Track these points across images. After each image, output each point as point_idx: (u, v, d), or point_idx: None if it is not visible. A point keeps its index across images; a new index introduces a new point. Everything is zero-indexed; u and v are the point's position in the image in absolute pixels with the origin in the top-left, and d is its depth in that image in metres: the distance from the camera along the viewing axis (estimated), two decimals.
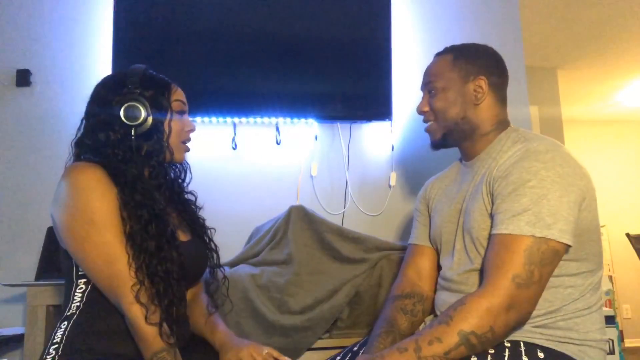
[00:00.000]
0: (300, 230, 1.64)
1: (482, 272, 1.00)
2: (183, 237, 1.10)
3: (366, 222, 2.01)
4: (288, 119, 1.96)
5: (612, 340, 1.70)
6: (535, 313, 0.96)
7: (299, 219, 1.66)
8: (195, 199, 1.22)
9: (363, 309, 1.55)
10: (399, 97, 2.01)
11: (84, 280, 0.99)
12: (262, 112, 1.92)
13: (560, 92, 3.80)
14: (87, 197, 0.94)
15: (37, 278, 1.59)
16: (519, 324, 0.94)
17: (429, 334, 0.89)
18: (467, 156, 1.19)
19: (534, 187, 0.95)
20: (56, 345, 0.96)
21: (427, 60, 1.24)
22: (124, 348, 0.96)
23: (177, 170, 1.19)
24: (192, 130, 1.15)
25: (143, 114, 1.03)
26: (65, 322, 0.98)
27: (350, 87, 1.98)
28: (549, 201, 0.93)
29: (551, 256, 0.92)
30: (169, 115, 1.08)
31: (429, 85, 1.18)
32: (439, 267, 1.21)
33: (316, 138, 2.02)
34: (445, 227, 1.16)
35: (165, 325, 0.93)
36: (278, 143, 1.98)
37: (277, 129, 1.97)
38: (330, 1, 2.01)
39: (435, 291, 1.19)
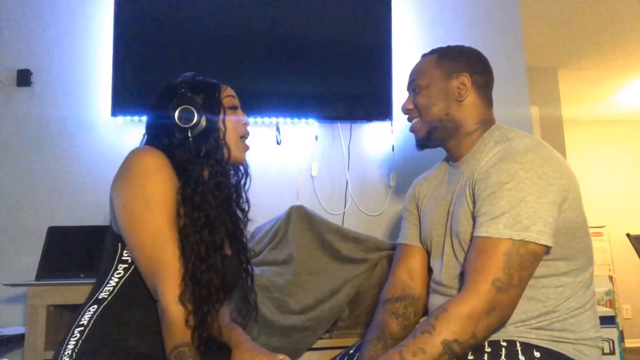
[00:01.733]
0: (300, 230, 1.64)
1: (462, 275, 1.00)
2: (228, 249, 1.11)
3: (366, 222, 2.01)
4: (288, 119, 1.96)
5: (613, 341, 1.70)
6: (529, 315, 0.96)
7: (299, 219, 1.66)
8: (248, 209, 1.20)
9: (363, 309, 1.55)
10: (399, 97, 2.01)
11: (125, 266, 1.00)
12: (263, 112, 1.92)
13: (560, 92, 3.80)
14: (149, 178, 0.96)
15: (37, 278, 1.59)
16: (500, 327, 0.95)
17: (413, 345, 0.89)
18: (453, 157, 1.18)
19: (511, 190, 0.95)
20: (82, 328, 0.96)
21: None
22: (148, 344, 0.96)
23: (239, 174, 1.18)
24: (247, 123, 1.16)
25: (196, 115, 1.05)
26: (95, 306, 0.98)
27: (351, 87, 1.98)
28: (526, 203, 0.93)
29: (530, 259, 0.92)
30: (221, 113, 1.09)
31: (413, 83, 1.19)
32: (429, 267, 1.21)
33: (316, 138, 2.02)
34: (435, 230, 1.16)
35: (199, 331, 0.94)
36: (278, 143, 1.98)
37: (278, 129, 1.97)
38: (330, 2, 2.01)
39: (428, 292, 1.18)
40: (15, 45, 1.94)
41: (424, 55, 1.22)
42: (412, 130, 1.21)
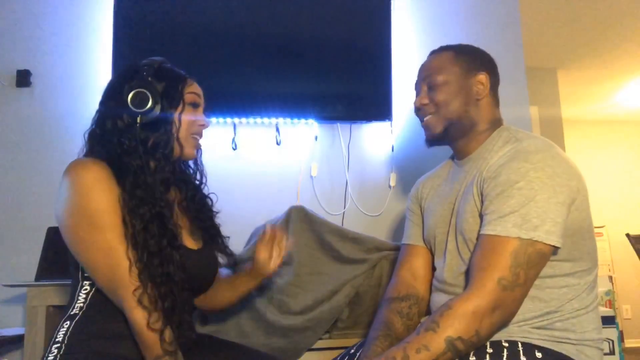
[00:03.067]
0: (300, 231, 1.64)
1: (468, 273, 1.00)
2: (192, 244, 1.08)
3: (366, 223, 2.01)
4: (288, 120, 1.96)
5: (612, 341, 1.70)
6: (532, 314, 0.96)
7: (299, 220, 1.66)
8: (212, 203, 1.19)
9: (363, 309, 1.55)
10: (399, 97, 2.01)
11: (89, 282, 0.99)
12: (262, 112, 1.92)
13: (560, 93, 3.80)
14: (88, 197, 0.91)
15: (37, 278, 1.59)
16: (504, 325, 0.95)
17: (417, 342, 0.89)
18: (459, 155, 1.18)
19: (522, 189, 0.94)
20: (58, 345, 0.95)
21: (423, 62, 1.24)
22: (127, 351, 0.95)
23: (191, 170, 1.16)
24: (205, 125, 1.11)
25: (150, 101, 0.99)
26: (68, 322, 0.97)
27: (350, 87, 1.98)
28: (536, 203, 0.93)
29: (537, 258, 0.92)
30: (180, 108, 1.04)
31: (428, 79, 1.16)
32: (433, 267, 1.21)
33: (316, 138, 2.02)
34: (438, 228, 1.16)
35: (167, 331, 0.92)
36: (278, 143, 1.98)
37: (277, 130, 1.97)
38: (330, 2, 2.01)
39: (431, 292, 1.18)
40: (15, 45, 1.93)
41: (434, 52, 1.20)
42: (425, 126, 1.18)
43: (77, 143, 1.88)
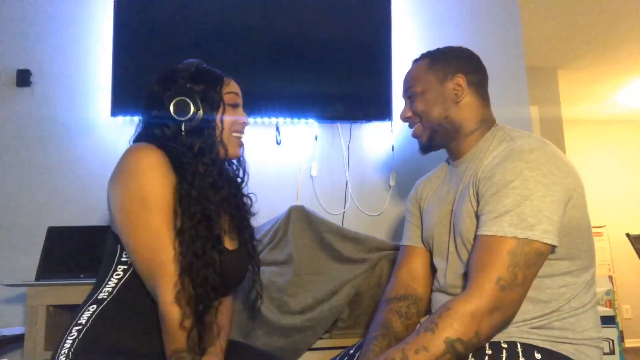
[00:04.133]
0: (300, 231, 1.64)
1: (465, 274, 1.00)
2: (230, 245, 1.08)
3: (366, 222, 2.01)
4: (288, 119, 1.96)
5: (612, 341, 1.70)
6: (531, 315, 0.96)
7: (299, 219, 1.66)
8: (252, 203, 1.19)
9: (363, 309, 1.55)
10: (399, 97, 2.00)
11: (124, 267, 0.99)
12: (262, 112, 1.92)
13: (560, 92, 3.80)
14: (145, 179, 0.93)
15: (37, 278, 1.59)
16: (503, 326, 0.94)
17: (416, 343, 0.89)
18: (454, 156, 1.19)
19: (516, 188, 0.94)
20: (79, 327, 0.95)
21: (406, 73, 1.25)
22: (146, 346, 0.96)
23: (234, 168, 1.16)
24: (246, 123, 1.12)
25: (192, 108, 1.01)
26: (94, 306, 0.98)
27: (350, 87, 1.98)
28: (531, 202, 0.93)
29: (535, 257, 0.92)
30: (221, 110, 1.05)
31: (408, 91, 1.20)
32: (432, 268, 1.21)
33: (316, 138, 2.02)
34: (437, 229, 1.16)
35: (195, 329, 0.93)
36: (278, 143, 1.98)
37: (277, 129, 1.97)
38: (330, 2, 2.01)
39: (430, 292, 1.18)
40: (15, 45, 1.93)
41: (415, 61, 1.23)
42: (414, 136, 1.22)
43: (77, 143, 1.91)
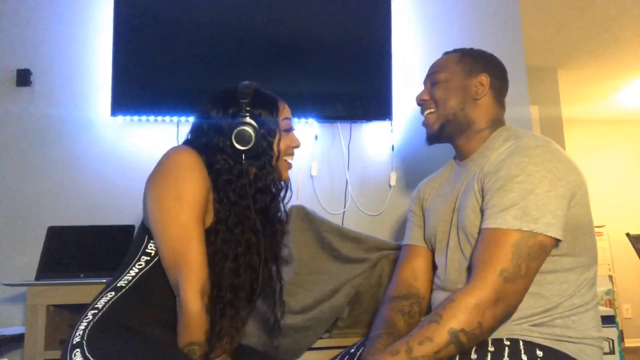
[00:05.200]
0: (300, 230, 1.64)
1: (470, 269, 1.01)
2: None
3: (366, 222, 2.01)
4: None
5: (612, 340, 1.70)
6: (533, 311, 0.96)
7: (299, 219, 1.66)
8: (287, 218, 1.21)
9: (363, 308, 1.55)
10: (399, 97, 2.01)
11: (147, 258, 1.01)
12: None
13: (560, 92, 3.80)
14: (181, 176, 0.97)
15: (37, 278, 1.59)
16: (506, 318, 0.95)
17: (420, 334, 0.90)
18: (461, 155, 1.20)
19: (521, 182, 0.96)
20: (95, 311, 0.97)
21: (427, 60, 1.26)
22: (158, 336, 0.97)
23: (279, 186, 1.17)
24: (298, 146, 1.15)
25: (253, 137, 1.03)
26: (113, 292, 0.99)
27: (350, 87, 1.98)
28: (536, 196, 0.94)
29: (538, 250, 0.93)
30: (277, 137, 1.08)
31: (432, 76, 1.21)
32: (434, 268, 1.21)
33: (316, 138, 2.02)
34: (439, 225, 1.17)
35: (208, 327, 0.95)
36: None
37: None
38: (330, 1, 2.01)
39: (431, 291, 1.19)
40: (15, 45, 1.93)
41: (446, 53, 1.24)
42: (425, 124, 1.22)
43: (77, 143, 1.91)
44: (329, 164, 2.03)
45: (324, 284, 1.53)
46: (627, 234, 3.67)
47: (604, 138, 4.96)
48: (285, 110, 1.13)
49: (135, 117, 1.91)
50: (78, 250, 1.68)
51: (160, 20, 1.92)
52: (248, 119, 1.04)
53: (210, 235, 1.00)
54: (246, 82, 1.10)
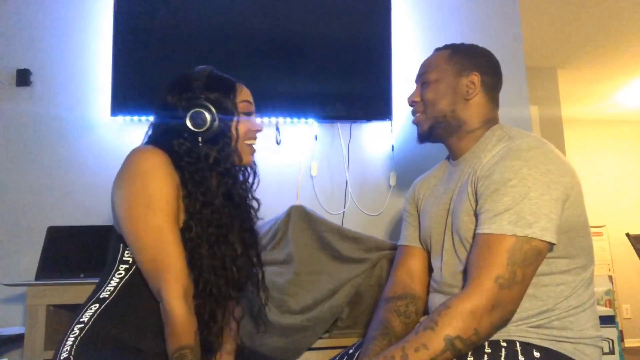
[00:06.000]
0: (300, 230, 1.64)
1: (465, 272, 1.00)
2: (237, 248, 1.08)
3: (366, 222, 2.01)
4: (288, 119, 1.96)
5: (612, 340, 1.70)
6: (529, 313, 0.96)
7: (299, 219, 1.66)
8: (258, 207, 1.19)
9: (363, 308, 1.55)
10: (399, 97, 2.01)
11: (126, 267, 1.00)
12: (262, 112, 1.92)
13: (560, 92, 3.80)
14: (149, 178, 0.94)
15: (37, 278, 1.59)
16: (503, 324, 0.94)
17: (415, 341, 0.89)
18: (454, 154, 1.19)
19: (515, 186, 0.95)
20: (82, 325, 0.95)
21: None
22: (148, 345, 0.96)
23: (245, 173, 1.17)
24: (259, 130, 1.13)
25: (209, 119, 1.01)
26: (97, 305, 0.98)
27: (350, 87, 1.98)
28: (530, 200, 0.93)
29: (534, 255, 0.92)
30: (235, 118, 1.06)
31: (422, 76, 1.19)
32: (430, 268, 1.21)
33: (316, 138, 2.02)
34: (434, 228, 1.16)
35: (197, 330, 0.93)
36: (278, 143, 1.98)
37: (277, 129, 1.97)
38: (330, 1, 2.01)
39: (428, 292, 1.18)
40: (15, 45, 1.93)
41: (437, 50, 1.22)
42: (415, 122, 1.21)
43: (77, 143, 1.91)
44: (329, 164, 2.03)
45: (323, 284, 1.53)
46: (627, 234, 3.67)
47: (604, 138, 4.96)
48: (243, 93, 1.10)
49: (135, 117, 1.91)
50: (78, 250, 1.68)
51: (160, 20, 1.92)
52: (202, 101, 1.02)
53: (185, 233, 0.97)
54: (202, 66, 1.08)
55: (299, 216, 1.66)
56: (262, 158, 1.97)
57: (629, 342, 4.48)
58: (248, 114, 1.10)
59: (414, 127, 1.23)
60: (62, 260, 1.64)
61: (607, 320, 1.65)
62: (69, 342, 0.93)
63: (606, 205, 4.69)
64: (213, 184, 1.03)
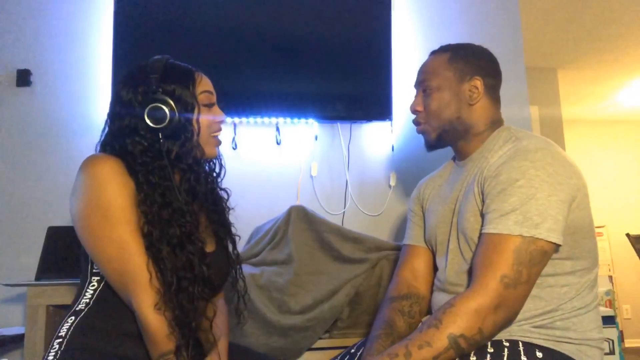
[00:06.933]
0: (300, 230, 1.64)
1: (470, 272, 1.00)
2: (209, 245, 1.05)
3: (366, 222, 2.01)
4: (288, 119, 1.96)
5: (612, 341, 1.70)
6: (532, 313, 0.96)
7: (299, 219, 1.66)
8: (228, 197, 1.14)
9: (363, 309, 1.55)
10: (399, 97, 2.01)
11: (97, 278, 0.98)
12: (263, 112, 1.92)
13: (560, 92, 3.80)
14: (102, 189, 0.90)
15: (37, 278, 1.59)
16: (507, 324, 0.95)
17: (419, 339, 0.89)
18: (460, 155, 1.19)
19: (522, 187, 0.95)
20: (60, 340, 0.93)
21: (423, 62, 1.24)
22: (130, 351, 0.94)
23: (211, 164, 1.12)
24: (223, 121, 1.07)
25: (168, 114, 0.95)
26: (73, 317, 0.96)
27: (350, 87, 1.98)
28: (537, 200, 0.93)
29: (539, 256, 0.92)
30: (196, 111, 1.00)
31: (423, 83, 1.18)
32: (434, 267, 1.21)
33: (316, 138, 2.02)
34: (439, 228, 1.16)
35: (176, 330, 0.90)
36: (278, 143, 1.98)
37: (277, 129, 1.97)
38: (330, 1, 2.01)
39: (431, 292, 1.18)
40: (15, 45, 1.93)
41: (434, 53, 1.21)
42: (420, 132, 1.21)
43: (77, 143, 1.91)
44: (329, 165, 2.03)
45: (323, 284, 1.53)
46: (627, 234, 3.66)
47: (604, 138, 4.96)
48: (203, 83, 1.03)
49: None
50: (78, 250, 1.67)
51: (160, 20, 1.92)
52: (160, 95, 0.96)
53: (146, 239, 0.92)
54: (157, 57, 1.02)
55: (299, 216, 1.66)
56: (262, 158, 1.98)
57: (629, 343, 4.48)
58: (209, 105, 1.04)
59: (414, 128, 1.23)
60: (62, 260, 1.64)
61: (608, 321, 1.65)
62: (50, 358, 0.91)
63: (606, 205, 4.69)
64: (175, 181, 0.97)
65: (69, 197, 0.96)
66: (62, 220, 1.83)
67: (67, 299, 1.46)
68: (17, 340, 1.60)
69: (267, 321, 1.44)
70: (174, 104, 0.97)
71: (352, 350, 1.13)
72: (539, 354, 0.93)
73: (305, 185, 2.00)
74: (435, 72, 1.16)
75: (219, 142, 1.08)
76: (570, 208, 0.96)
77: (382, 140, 2.05)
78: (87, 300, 0.97)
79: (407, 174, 2.04)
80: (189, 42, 1.91)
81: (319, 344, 1.51)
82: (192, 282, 0.94)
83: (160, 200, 0.94)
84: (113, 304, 0.95)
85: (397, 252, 1.62)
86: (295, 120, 1.97)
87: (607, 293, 2.37)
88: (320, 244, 1.63)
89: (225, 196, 1.14)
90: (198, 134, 1.01)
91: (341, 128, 2.04)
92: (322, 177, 2.02)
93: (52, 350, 0.92)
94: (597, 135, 4.95)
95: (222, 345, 1.08)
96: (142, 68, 1.00)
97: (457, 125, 1.14)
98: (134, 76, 1.01)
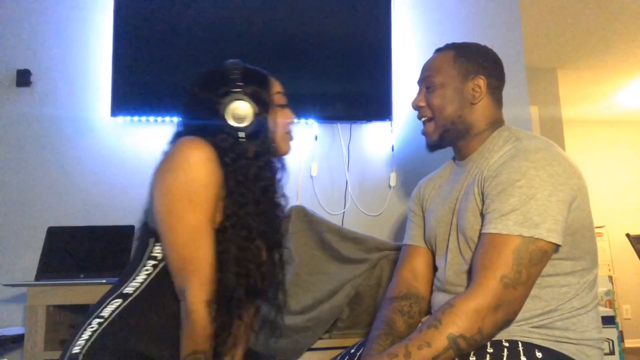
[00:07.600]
0: (300, 230, 1.64)
1: (470, 272, 1.00)
2: (263, 253, 1.05)
3: (366, 222, 2.01)
4: None
5: (612, 341, 1.70)
6: (532, 313, 0.96)
7: (299, 219, 1.66)
8: (286, 204, 1.15)
9: (363, 309, 1.55)
10: (399, 97, 2.01)
11: (154, 263, 0.97)
12: None
13: (560, 93, 3.80)
14: (197, 173, 0.91)
15: (37, 278, 1.59)
16: (507, 324, 0.95)
17: (419, 339, 0.89)
18: (460, 155, 1.19)
19: (522, 187, 0.95)
20: (101, 320, 0.93)
21: (427, 60, 1.24)
22: (163, 350, 0.93)
23: (276, 167, 1.13)
24: (294, 121, 1.12)
25: (250, 113, 0.99)
26: (120, 300, 0.95)
27: (350, 87, 1.98)
28: (537, 201, 0.93)
29: (539, 256, 0.92)
30: (272, 112, 1.04)
31: (427, 80, 1.18)
32: (434, 268, 1.21)
33: (316, 138, 2.02)
34: (439, 227, 1.16)
35: (213, 335, 0.91)
36: None
37: None
38: (330, 1, 2.01)
39: (431, 292, 1.18)
40: (15, 45, 1.93)
41: (439, 50, 1.21)
42: (424, 133, 1.21)
43: (77, 143, 1.91)
44: (329, 165, 2.03)
45: (323, 284, 1.53)
46: (627, 235, 3.66)
47: (604, 138, 4.96)
48: (276, 85, 1.08)
49: (135, 118, 1.91)
50: (78, 250, 1.68)
51: (160, 20, 1.92)
52: (241, 95, 0.99)
53: (218, 235, 0.95)
54: (232, 60, 1.05)
55: (299, 216, 1.66)
56: None
57: (629, 343, 4.48)
58: (282, 105, 1.09)
59: (414, 128, 1.23)
60: (62, 260, 1.64)
61: (607, 321, 1.65)
62: (85, 336, 0.91)
63: (606, 205, 4.69)
64: (253, 182, 0.99)
65: (153, 173, 0.96)
66: (62, 220, 1.83)
67: (67, 299, 1.46)
68: (17, 341, 1.60)
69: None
70: (254, 103, 1.00)
71: (352, 351, 1.13)
72: (539, 354, 0.93)
73: (305, 185, 2.00)
74: (439, 69, 1.16)
75: (292, 138, 1.12)
76: (570, 208, 0.96)
77: (382, 140, 2.05)
78: (137, 284, 0.96)
79: (407, 174, 2.04)
80: (189, 42, 1.91)
81: (319, 344, 1.51)
82: (245, 289, 0.95)
83: (240, 200, 0.96)
84: (162, 295, 0.95)
85: (397, 252, 1.62)
86: (295, 120, 1.97)
87: (607, 293, 2.37)
88: (320, 244, 1.63)
89: (284, 203, 1.15)
90: (274, 134, 1.05)
91: (341, 128, 2.04)
92: (322, 177, 2.02)
93: (89, 329, 0.92)
94: (597, 135, 4.95)
95: (240, 351, 1.08)
96: (221, 71, 1.03)
97: (459, 124, 1.14)
98: (212, 78, 1.04)
